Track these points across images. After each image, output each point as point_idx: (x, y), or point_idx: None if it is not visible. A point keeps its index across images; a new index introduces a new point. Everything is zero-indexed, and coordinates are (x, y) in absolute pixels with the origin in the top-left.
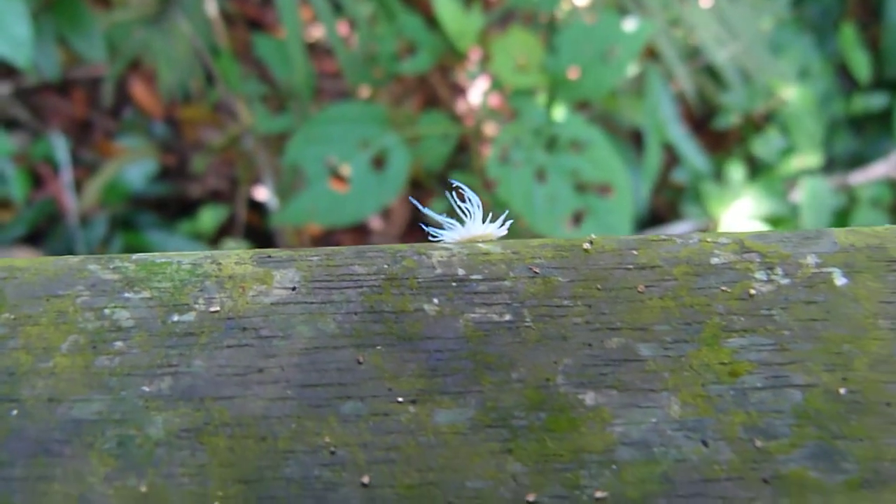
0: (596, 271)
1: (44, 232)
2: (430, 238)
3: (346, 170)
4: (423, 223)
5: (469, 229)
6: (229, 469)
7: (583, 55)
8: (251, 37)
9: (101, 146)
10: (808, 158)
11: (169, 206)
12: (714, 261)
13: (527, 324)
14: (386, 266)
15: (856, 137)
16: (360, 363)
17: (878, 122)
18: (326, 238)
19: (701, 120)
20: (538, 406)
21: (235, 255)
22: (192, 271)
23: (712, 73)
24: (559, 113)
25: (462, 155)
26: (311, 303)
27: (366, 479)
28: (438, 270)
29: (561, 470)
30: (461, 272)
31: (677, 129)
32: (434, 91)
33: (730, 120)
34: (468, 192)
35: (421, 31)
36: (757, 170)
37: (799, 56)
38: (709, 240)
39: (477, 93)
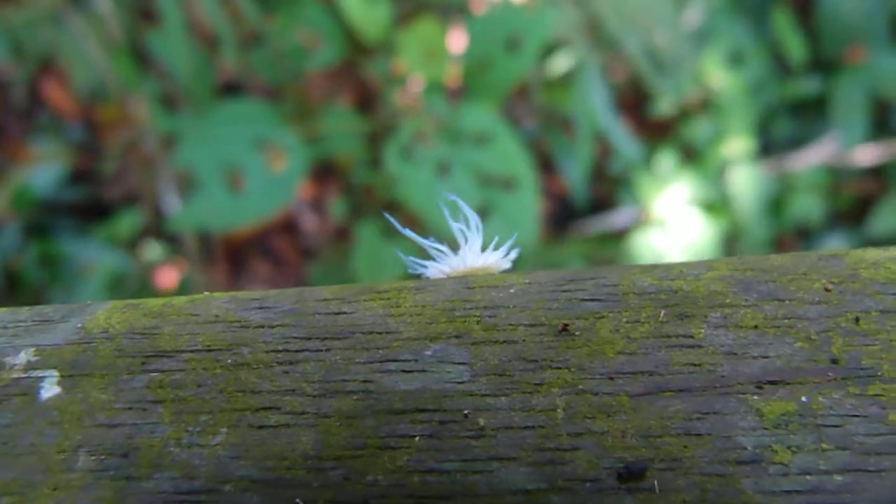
0: None
1: None
2: (410, 272)
3: (242, 170)
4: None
5: (465, 259)
6: None
7: (489, 46)
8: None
9: (14, 150)
10: (740, 144)
11: (88, 210)
12: None
13: None
14: None
15: (793, 121)
16: None
17: (814, 106)
18: (259, 239)
19: (642, 109)
20: None
21: None
22: None
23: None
24: (470, 105)
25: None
26: None
27: None
28: None
29: None
30: None
31: (610, 118)
32: (370, 85)
33: (662, 108)
34: (465, 209)
35: (328, 24)
36: (693, 157)
37: (733, 41)
38: None
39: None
